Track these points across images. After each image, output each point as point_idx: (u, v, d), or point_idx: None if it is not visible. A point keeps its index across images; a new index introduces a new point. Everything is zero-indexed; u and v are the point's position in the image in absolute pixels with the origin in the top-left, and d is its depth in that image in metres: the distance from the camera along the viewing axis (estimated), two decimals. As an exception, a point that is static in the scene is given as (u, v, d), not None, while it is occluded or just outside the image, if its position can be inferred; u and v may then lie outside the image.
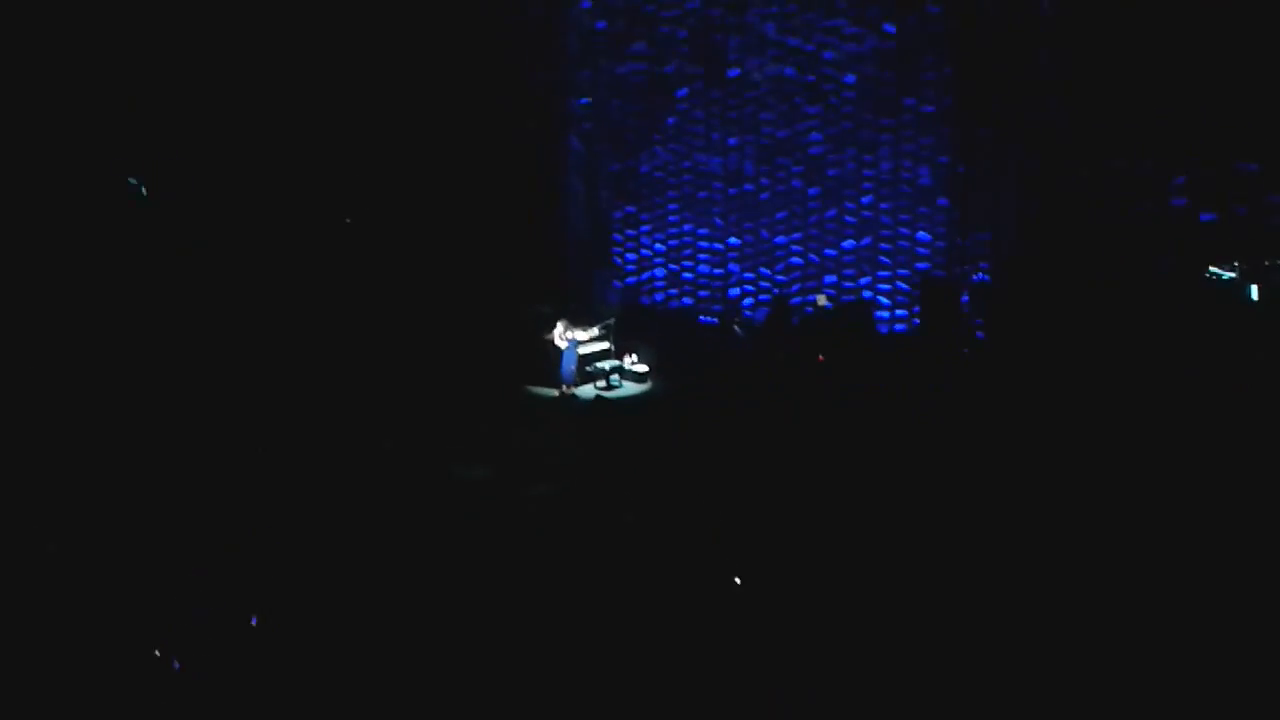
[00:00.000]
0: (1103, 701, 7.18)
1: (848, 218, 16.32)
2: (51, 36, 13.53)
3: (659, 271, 17.17)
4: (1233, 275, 13.01)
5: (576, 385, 14.36)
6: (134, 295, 13.33)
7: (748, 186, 16.62)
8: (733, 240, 16.82)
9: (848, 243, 16.34)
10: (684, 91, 16.62)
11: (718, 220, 16.79)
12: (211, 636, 7.74)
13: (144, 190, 13.79)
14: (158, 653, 7.43)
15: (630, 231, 17.18)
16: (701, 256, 17.01)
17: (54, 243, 13.08)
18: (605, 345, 14.80)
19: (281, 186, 14.81)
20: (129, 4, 14.04)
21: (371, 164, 15.38)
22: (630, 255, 17.24)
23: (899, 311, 16.14)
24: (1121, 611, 8.11)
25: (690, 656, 7.65)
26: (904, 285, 16.09)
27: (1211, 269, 13.17)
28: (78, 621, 7.78)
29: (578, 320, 14.61)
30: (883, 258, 16.24)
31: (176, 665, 7.42)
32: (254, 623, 7.90)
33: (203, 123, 14.38)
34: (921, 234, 15.95)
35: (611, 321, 14.91)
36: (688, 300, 17.06)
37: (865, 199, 16.20)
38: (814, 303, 15.86)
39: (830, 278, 16.44)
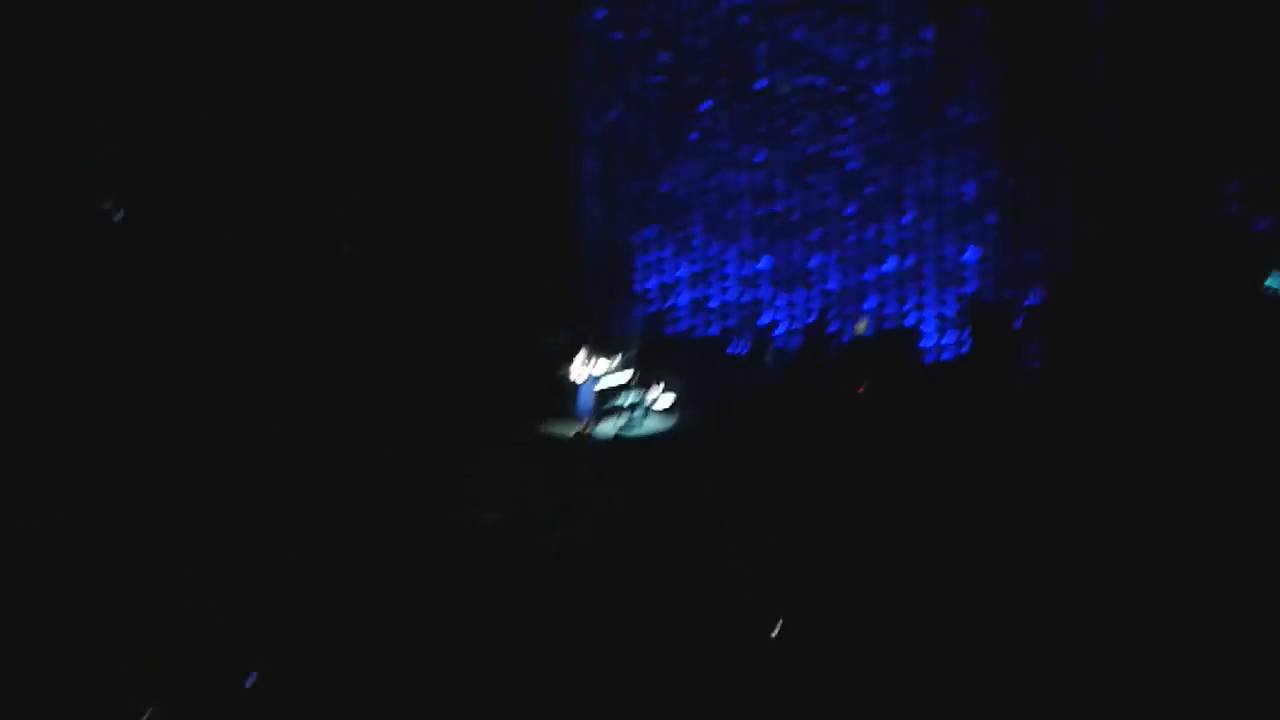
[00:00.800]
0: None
1: (887, 237, 15.81)
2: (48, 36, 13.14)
3: (683, 298, 16.71)
4: None
5: (595, 422, 13.72)
6: (119, 320, 12.79)
7: (778, 205, 16.16)
8: (762, 264, 16.34)
9: (888, 264, 15.83)
10: (707, 104, 16.20)
11: (746, 243, 16.37)
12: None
13: (121, 214, 13.23)
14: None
15: (651, 256, 16.78)
16: (729, 281, 16.56)
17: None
18: (626, 379, 14.18)
19: (273, 214, 14.23)
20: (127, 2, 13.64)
21: (369, 187, 14.85)
22: (652, 281, 16.77)
23: (945, 338, 15.59)
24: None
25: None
26: (950, 309, 15.58)
27: (1269, 282, 13.02)
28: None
29: (596, 352, 14.03)
30: (926, 280, 15.71)
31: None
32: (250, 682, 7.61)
33: (188, 139, 13.90)
34: (969, 253, 15.47)
35: (633, 353, 14.39)
36: (714, 329, 16.58)
37: (906, 217, 15.71)
38: (853, 329, 15.46)
39: (870, 301, 15.86)
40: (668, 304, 16.63)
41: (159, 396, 12.14)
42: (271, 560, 9.32)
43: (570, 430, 13.57)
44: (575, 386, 13.70)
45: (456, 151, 15.16)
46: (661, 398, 14.10)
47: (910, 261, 15.64)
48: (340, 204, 14.70)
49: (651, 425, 13.87)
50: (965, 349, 15.20)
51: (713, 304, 16.51)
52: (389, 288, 14.73)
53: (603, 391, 13.89)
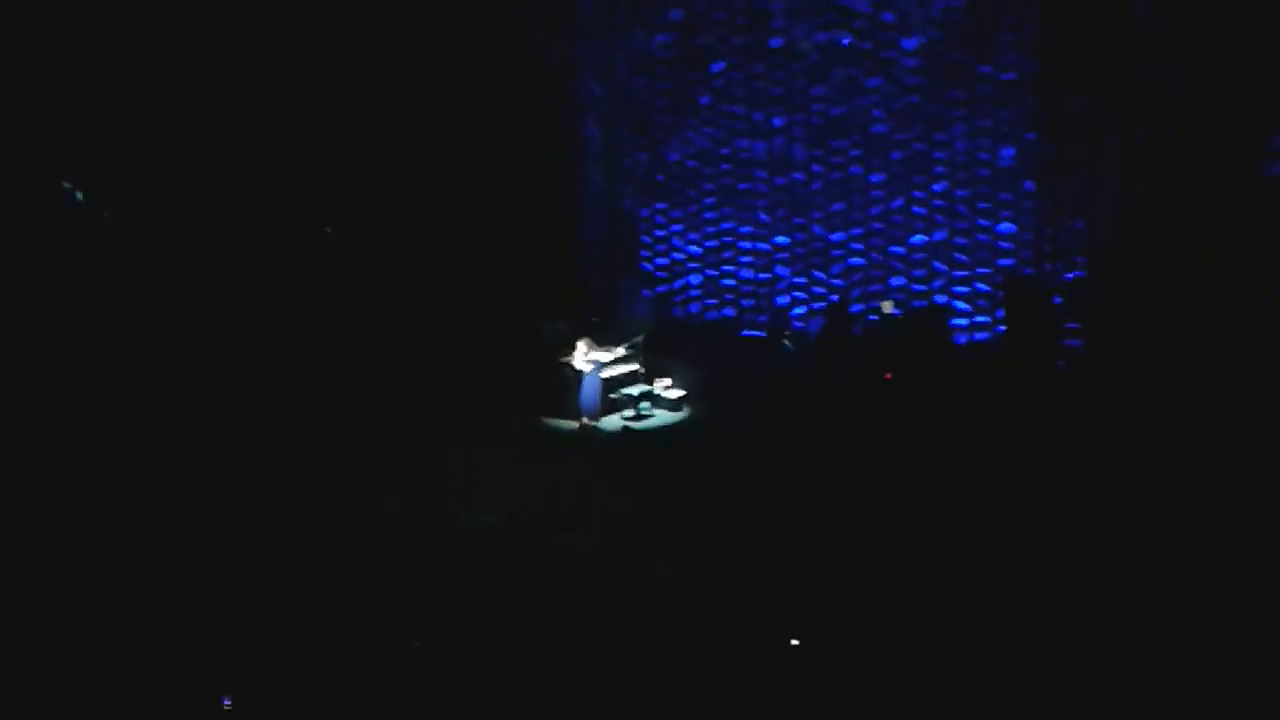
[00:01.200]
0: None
1: (916, 208, 15.42)
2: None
3: (694, 278, 16.44)
4: None
5: (600, 416, 13.59)
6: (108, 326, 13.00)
7: (797, 175, 15.78)
8: (780, 239, 15.96)
9: (917, 237, 15.46)
10: (719, 65, 15.77)
11: (762, 216, 15.98)
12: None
13: (79, 195, 13.21)
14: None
15: (660, 232, 16.46)
16: (744, 259, 16.22)
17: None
18: (633, 367, 14.12)
19: (255, 185, 14.16)
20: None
21: (356, 158, 14.60)
22: (660, 260, 16.50)
23: (979, 317, 15.27)
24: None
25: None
26: (984, 286, 15.22)
27: None
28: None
29: (600, 338, 13.84)
30: (959, 254, 15.29)
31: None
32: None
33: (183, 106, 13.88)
34: (1004, 225, 15.07)
35: (640, 339, 14.26)
36: (729, 311, 16.29)
37: (937, 185, 15.29)
38: (878, 309, 14.99)
39: (897, 279, 15.55)
40: (677, 284, 16.47)
41: (152, 394, 12.33)
42: (261, 571, 9.36)
43: (573, 424, 13.54)
44: (578, 376, 13.52)
45: (448, 119, 14.86)
46: (671, 387, 14.03)
47: (941, 234, 15.33)
48: (328, 182, 14.54)
49: (661, 417, 13.69)
50: (1001, 329, 14.91)
51: (726, 283, 16.32)
52: (377, 272, 14.56)
53: (608, 381, 13.82)
